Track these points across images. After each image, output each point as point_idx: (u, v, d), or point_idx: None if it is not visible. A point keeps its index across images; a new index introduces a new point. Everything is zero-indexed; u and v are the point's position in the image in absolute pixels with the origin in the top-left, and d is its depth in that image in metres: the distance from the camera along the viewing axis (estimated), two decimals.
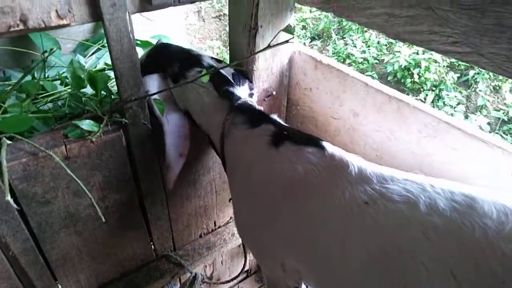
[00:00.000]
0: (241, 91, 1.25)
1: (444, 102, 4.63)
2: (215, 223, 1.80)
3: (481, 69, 0.99)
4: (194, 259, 1.69)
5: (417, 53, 4.95)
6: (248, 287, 2.09)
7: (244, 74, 1.39)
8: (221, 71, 1.24)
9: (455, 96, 4.66)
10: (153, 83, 1.26)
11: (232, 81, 1.25)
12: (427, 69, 4.79)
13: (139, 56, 1.37)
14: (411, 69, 4.88)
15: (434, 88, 4.78)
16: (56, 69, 1.51)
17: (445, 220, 0.82)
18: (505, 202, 0.82)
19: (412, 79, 4.85)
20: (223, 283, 1.87)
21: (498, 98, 4.69)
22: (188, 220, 1.66)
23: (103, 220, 1.08)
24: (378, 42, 5.52)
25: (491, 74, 4.59)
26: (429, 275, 0.81)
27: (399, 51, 5.10)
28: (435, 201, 0.85)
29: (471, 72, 4.79)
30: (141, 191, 1.40)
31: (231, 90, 1.22)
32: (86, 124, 1.12)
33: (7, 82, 1.45)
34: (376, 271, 0.89)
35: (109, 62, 1.32)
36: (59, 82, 1.44)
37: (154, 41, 1.64)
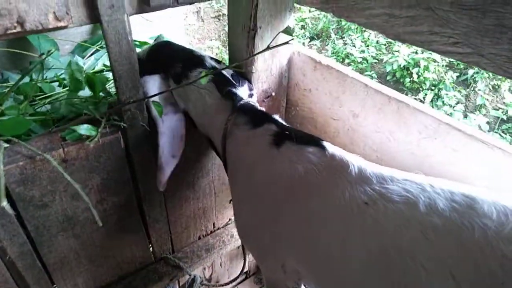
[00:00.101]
0: (242, 92, 1.25)
1: (443, 102, 4.63)
2: (214, 225, 1.79)
3: (479, 69, 0.98)
4: (193, 261, 1.68)
5: (416, 53, 4.95)
6: None
7: (243, 75, 1.38)
8: (223, 72, 1.24)
9: (454, 96, 4.66)
10: (153, 83, 1.25)
11: (234, 82, 1.25)
12: (426, 68, 4.79)
13: (140, 51, 1.36)
14: (410, 68, 4.88)
15: (433, 88, 4.77)
16: (54, 70, 1.50)
17: (444, 220, 0.82)
18: (506, 202, 0.81)
19: (411, 79, 4.85)
20: (222, 285, 1.86)
21: (497, 97, 4.69)
22: (186, 222, 1.66)
23: (100, 224, 1.07)
24: (377, 42, 5.51)
25: (490, 73, 4.59)
26: (428, 275, 0.81)
27: (398, 51, 5.09)
28: (435, 201, 0.85)
29: (470, 71, 4.79)
30: (139, 193, 1.39)
31: (234, 91, 1.22)
32: (84, 129, 1.11)
33: (4, 84, 1.44)
34: (376, 271, 0.88)
35: (108, 63, 1.31)
36: (57, 83, 1.43)
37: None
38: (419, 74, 4.81)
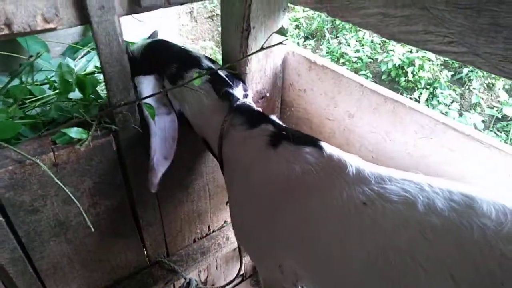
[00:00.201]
0: (237, 93, 1.24)
1: (438, 101, 4.63)
2: (209, 227, 1.77)
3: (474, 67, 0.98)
4: (188, 264, 1.66)
5: (411, 52, 4.95)
6: None
7: (237, 75, 1.36)
8: (220, 72, 1.22)
9: (449, 94, 4.67)
10: (148, 84, 1.23)
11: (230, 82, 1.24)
12: (421, 67, 4.80)
13: (134, 47, 1.34)
14: (405, 67, 4.88)
15: (428, 87, 4.78)
16: (45, 73, 1.48)
17: (443, 220, 0.82)
18: (505, 202, 0.81)
19: (406, 78, 4.85)
20: None
21: (491, 95, 4.70)
22: (181, 225, 1.64)
23: (92, 229, 1.05)
24: (372, 41, 5.51)
25: (484, 71, 4.60)
26: (427, 275, 0.80)
27: (393, 50, 5.09)
28: (433, 201, 0.85)
29: (465, 70, 4.80)
30: (132, 197, 1.37)
31: (231, 91, 1.21)
32: (74, 132, 1.09)
33: None
34: (376, 271, 0.88)
35: (99, 65, 1.29)
36: (47, 86, 1.41)
37: None
38: (414, 73, 4.82)
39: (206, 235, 1.78)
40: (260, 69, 1.40)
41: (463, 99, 4.75)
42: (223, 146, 1.18)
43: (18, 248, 1.17)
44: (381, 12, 1.06)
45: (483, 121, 4.30)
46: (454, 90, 4.75)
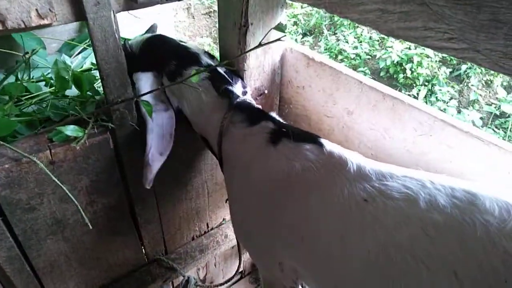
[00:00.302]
0: (237, 90, 1.23)
1: (436, 97, 4.63)
2: (207, 225, 1.77)
3: (472, 64, 0.97)
4: (187, 262, 1.66)
5: (409, 48, 4.95)
6: None
7: (236, 72, 1.35)
8: (218, 69, 1.21)
9: (448, 91, 4.66)
10: (146, 81, 1.22)
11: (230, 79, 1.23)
12: (420, 64, 4.79)
13: (133, 41, 1.32)
14: (404, 64, 4.88)
15: (426, 83, 4.78)
16: (41, 70, 1.46)
17: (445, 217, 0.81)
18: (508, 198, 0.80)
19: (405, 75, 4.84)
20: (217, 285, 1.84)
21: (490, 92, 4.70)
22: (180, 223, 1.63)
23: (90, 227, 1.04)
24: (370, 38, 5.50)
25: (483, 68, 4.60)
26: (429, 272, 0.80)
27: (391, 47, 5.09)
28: (435, 197, 0.84)
29: (463, 67, 4.80)
30: (130, 195, 1.37)
31: (230, 88, 1.20)
32: (71, 130, 1.08)
33: None
34: (377, 269, 0.87)
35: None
36: (44, 83, 1.40)
37: None
38: (413, 69, 4.81)
39: (205, 232, 1.78)
40: (258, 66, 1.39)
41: (462, 96, 4.75)
42: (222, 144, 1.17)
43: (15, 247, 1.16)
44: (379, 8, 1.05)
45: (481, 118, 4.30)
46: (452, 87, 4.74)
